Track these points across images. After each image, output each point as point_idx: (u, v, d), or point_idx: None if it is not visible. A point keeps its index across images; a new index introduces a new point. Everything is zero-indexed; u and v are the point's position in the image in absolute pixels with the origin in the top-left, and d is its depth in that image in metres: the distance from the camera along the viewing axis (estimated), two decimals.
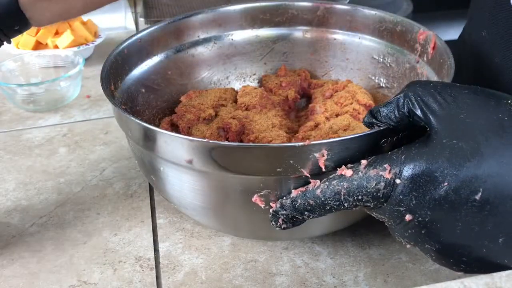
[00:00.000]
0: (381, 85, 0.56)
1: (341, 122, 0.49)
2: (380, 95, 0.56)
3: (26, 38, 0.86)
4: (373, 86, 0.57)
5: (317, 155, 0.34)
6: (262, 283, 0.43)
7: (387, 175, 0.31)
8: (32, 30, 0.86)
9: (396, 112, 0.33)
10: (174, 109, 0.55)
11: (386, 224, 0.35)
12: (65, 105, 0.72)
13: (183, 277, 0.44)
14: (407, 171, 0.31)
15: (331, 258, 0.45)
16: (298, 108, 0.58)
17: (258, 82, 0.61)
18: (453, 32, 0.74)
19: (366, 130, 0.35)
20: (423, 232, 0.31)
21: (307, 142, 0.34)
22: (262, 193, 0.37)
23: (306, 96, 0.59)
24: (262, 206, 0.38)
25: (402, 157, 0.31)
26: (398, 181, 0.31)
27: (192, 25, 0.57)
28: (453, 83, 0.34)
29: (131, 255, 0.46)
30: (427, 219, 0.31)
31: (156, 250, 0.47)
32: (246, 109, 0.53)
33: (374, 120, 0.35)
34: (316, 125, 0.50)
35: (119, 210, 0.52)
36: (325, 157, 0.34)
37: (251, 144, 0.44)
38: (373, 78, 0.57)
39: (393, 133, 0.35)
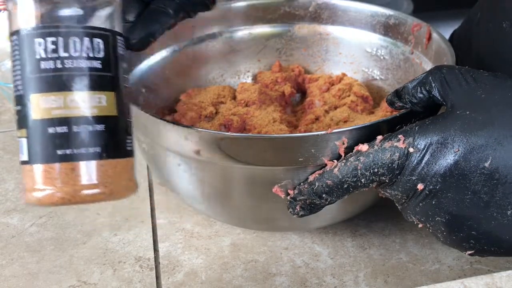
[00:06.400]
0: (375, 77, 0.57)
1: (341, 114, 0.50)
2: (375, 87, 0.57)
3: None
4: (367, 79, 0.58)
5: (337, 143, 0.35)
6: (262, 283, 0.43)
7: (401, 145, 0.32)
8: None
9: (419, 88, 0.34)
10: (172, 108, 0.55)
11: (398, 205, 0.35)
12: None
13: (183, 277, 0.44)
14: (420, 139, 0.32)
15: (331, 258, 0.45)
16: (293, 103, 0.59)
17: (253, 79, 0.61)
18: None
19: (367, 121, 0.36)
20: (433, 202, 0.32)
21: (329, 131, 0.35)
22: (282, 184, 0.38)
23: (301, 91, 0.60)
24: (283, 196, 0.38)
25: (416, 128, 0.32)
26: (411, 149, 0.32)
27: (187, 26, 0.57)
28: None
29: (131, 255, 0.46)
30: (437, 187, 0.31)
31: (156, 250, 0.47)
32: (246, 105, 0.53)
33: (396, 99, 0.36)
34: (317, 118, 0.51)
35: (119, 210, 0.52)
36: (345, 144, 0.35)
37: (274, 135, 0.44)
38: (366, 70, 0.58)
39: (409, 119, 0.36)
